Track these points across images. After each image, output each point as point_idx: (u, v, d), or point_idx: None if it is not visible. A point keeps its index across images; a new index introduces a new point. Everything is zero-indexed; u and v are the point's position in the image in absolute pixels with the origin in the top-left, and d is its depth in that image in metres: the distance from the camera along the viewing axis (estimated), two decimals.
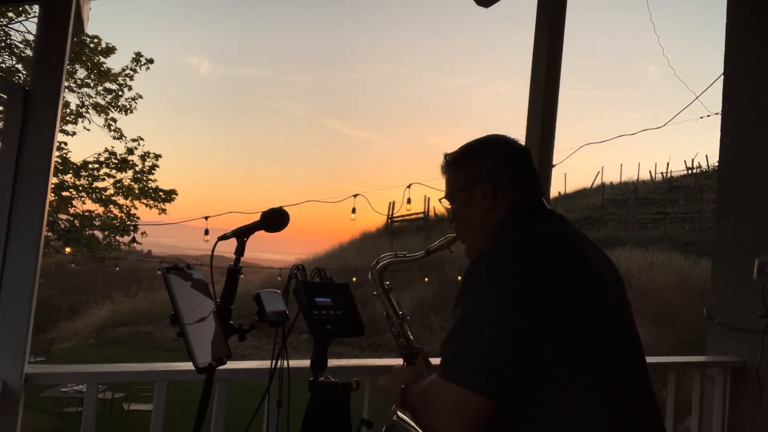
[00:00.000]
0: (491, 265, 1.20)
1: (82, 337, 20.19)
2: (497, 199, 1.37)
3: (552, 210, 1.40)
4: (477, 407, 1.10)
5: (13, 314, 1.83)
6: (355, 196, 8.90)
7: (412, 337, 1.64)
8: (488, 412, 1.11)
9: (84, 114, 15.38)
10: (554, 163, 2.83)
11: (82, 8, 2.33)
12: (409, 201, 8.95)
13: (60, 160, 14.61)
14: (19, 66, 13.86)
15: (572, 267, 1.22)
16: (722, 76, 3.48)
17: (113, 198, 15.56)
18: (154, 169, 15.78)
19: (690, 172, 27.61)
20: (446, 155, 1.50)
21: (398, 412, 1.50)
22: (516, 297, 1.14)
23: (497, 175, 1.40)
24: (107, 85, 15.36)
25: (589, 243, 1.33)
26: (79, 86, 15.19)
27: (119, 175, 15.57)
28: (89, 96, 15.38)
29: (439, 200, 1.52)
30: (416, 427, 1.49)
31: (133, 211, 15.81)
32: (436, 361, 1.47)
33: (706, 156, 27.66)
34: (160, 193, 15.82)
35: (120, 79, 15.40)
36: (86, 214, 15.56)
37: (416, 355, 1.56)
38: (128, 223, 15.74)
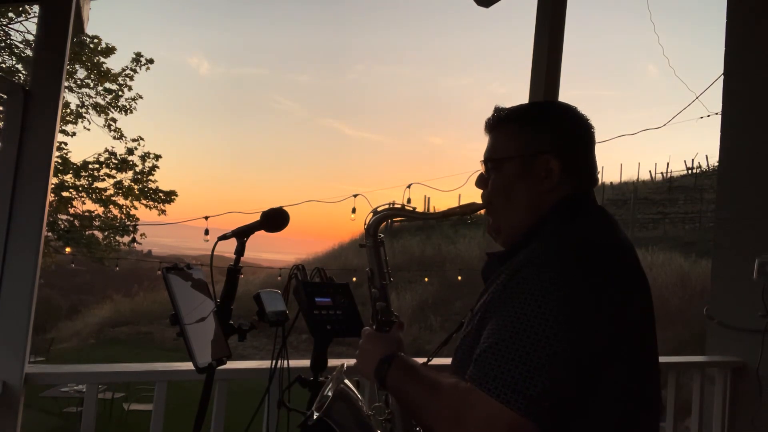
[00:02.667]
0: (561, 272, 1.00)
1: (82, 337, 20.19)
2: (560, 180, 1.15)
3: (604, 209, 1.21)
4: None
5: (13, 314, 1.83)
6: (355, 196, 8.90)
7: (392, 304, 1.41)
8: None
9: (84, 114, 15.41)
10: None
11: (82, 8, 2.33)
12: (409, 201, 8.94)
13: (60, 160, 14.62)
14: (19, 66, 13.87)
15: (640, 290, 1.09)
16: (722, 76, 3.48)
17: (113, 198, 15.58)
18: (154, 170, 15.80)
19: (690, 172, 27.63)
20: (500, 109, 1.24)
21: (346, 380, 1.30)
22: (587, 319, 0.97)
23: (566, 152, 1.17)
24: (107, 85, 15.38)
25: (634, 248, 1.17)
26: (79, 86, 15.21)
27: (119, 176, 15.60)
28: (89, 96, 15.41)
29: (481, 162, 1.26)
30: (361, 398, 1.31)
31: (132, 211, 15.84)
32: (438, 361, 1.45)
33: (706, 156, 27.69)
34: (160, 194, 15.83)
35: (120, 79, 15.42)
36: (86, 214, 15.58)
37: (391, 324, 1.34)
38: (128, 223, 15.75)
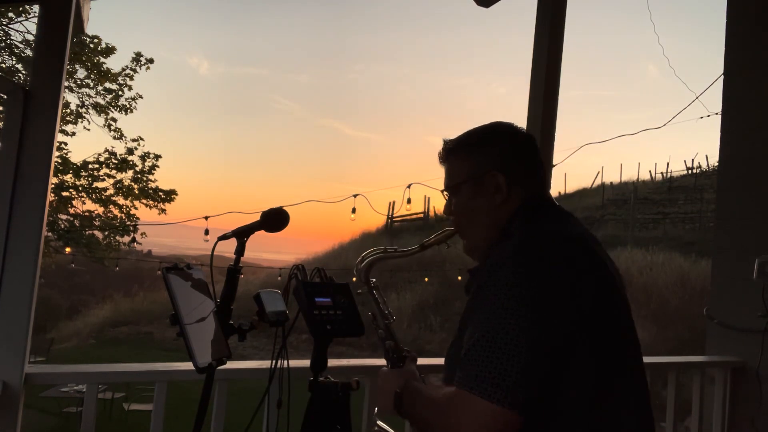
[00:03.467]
0: (520, 269, 1.10)
1: (82, 337, 20.18)
2: (510, 191, 1.28)
3: (560, 207, 1.32)
4: (509, 424, 1.02)
5: (13, 314, 1.83)
6: (355, 196, 8.91)
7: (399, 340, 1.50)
8: (517, 429, 1.04)
9: (84, 114, 15.41)
10: (554, 163, 2.83)
11: (82, 8, 2.33)
12: (409, 201, 8.96)
13: (60, 160, 14.61)
14: (19, 66, 13.86)
15: (597, 276, 1.16)
16: (722, 76, 3.48)
17: (113, 198, 15.57)
18: (154, 170, 15.79)
19: (690, 172, 27.62)
20: (447, 141, 1.38)
21: (379, 422, 1.39)
22: (549, 306, 1.07)
23: (510, 165, 1.29)
24: (107, 85, 15.37)
25: (598, 244, 1.27)
26: (79, 86, 15.20)
27: (119, 176, 15.59)
28: (89, 96, 15.40)
29: (442, 191, 1.40)
30: None
31: (132, 211, 15.83)
32: (431, 361, 1.47)
33: (706, 156, 27.69)
34: (160, 194, 15.82)
35: (120, 79, 15.41)
36: (86, 214, 15.57)
37: (404, 359, 1.44)
38: (128, 223, 15.75)
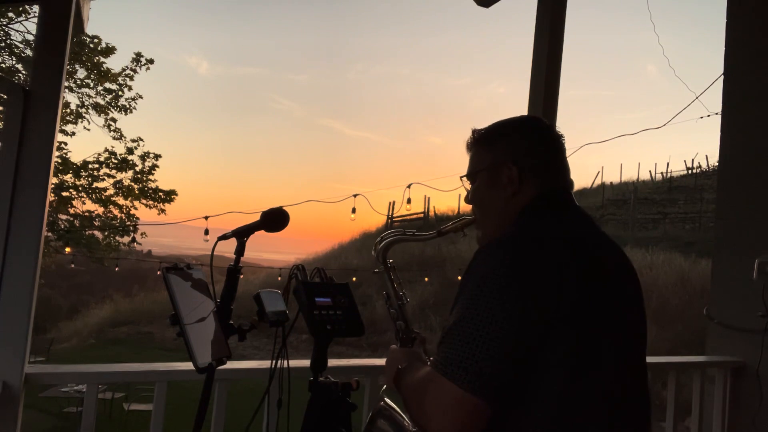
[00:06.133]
0: (503, 258, 1.11)
1: (82, 337, 20.18)
2: (522, 185, 1.28)
3: (578, 206, 1.30)
4: (473, 411, 1.03)
5: (13, 314, 1.83)
6: (355, 196, 8.90)
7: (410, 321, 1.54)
8: (484, 418, 1.04)
9: (84, 114, 15.41)
10: None
11: (82, 8, 2.33)
12: (409, 201, 8.95)
13: (60, 160, 14.62)
14: (19, 66, 13.86)
15: (585, 273, 1.13)
16: (722, 76, 3.48)
17: (113, 198, 15.57)
18: (154, 170, 15.80)
19: (690, 172, 27.68)
20: (474, 131, 1.40)
21: (386, 399, 1.42)
22: (524, 301, 1.06)
23: (526, 159, 1.30)
24: (107, 85, 15.38)
25: (609, 246, 1.25)
26: (79, 86, 15.21)
27: (119, 176, 15.59)
28: (89, 96, 15.40)
29: (461, 178, 1.42)
30: (402, 414, 1.42)
31: (132, 211, 15.83)
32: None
33: (706, 156, 27.76)
34: (160, 194, 15.82)
35: (120, 79, 15.42)
36: (86, 214, 15.57)
37: (413, 340, 1.46)
38: (128, 223, 15.75)
